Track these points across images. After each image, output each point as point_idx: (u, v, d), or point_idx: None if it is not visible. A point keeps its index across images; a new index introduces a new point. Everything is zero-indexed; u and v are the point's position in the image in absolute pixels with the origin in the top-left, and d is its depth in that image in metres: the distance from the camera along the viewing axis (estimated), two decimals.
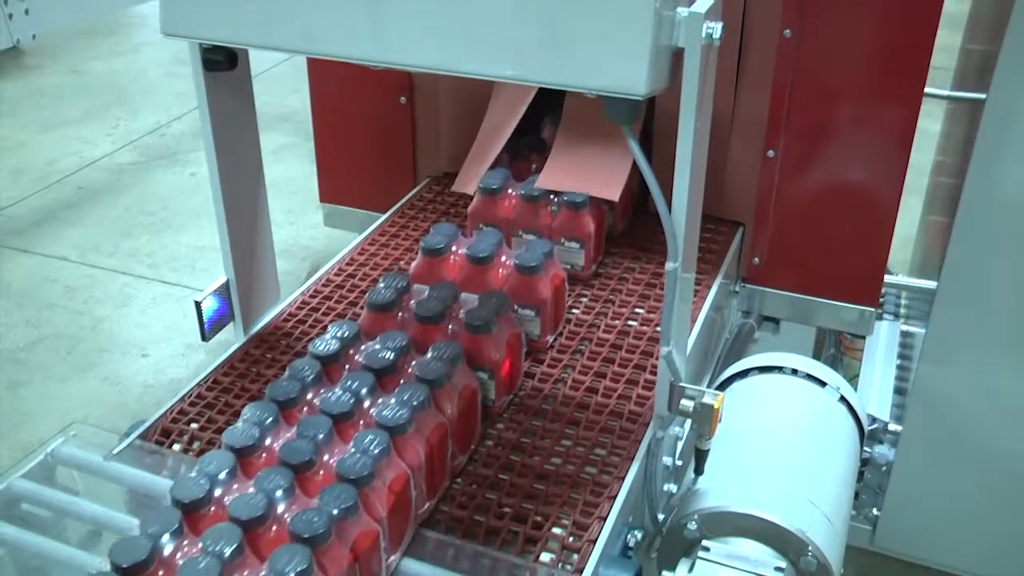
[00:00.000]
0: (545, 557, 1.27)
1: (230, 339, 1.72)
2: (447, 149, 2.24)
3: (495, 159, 2.01)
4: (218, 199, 1.60)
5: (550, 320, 1.66)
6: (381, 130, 2.26)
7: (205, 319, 1.64)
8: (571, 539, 1.29)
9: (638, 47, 1.09)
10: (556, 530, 1.31)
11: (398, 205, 2.17)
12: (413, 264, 1.70)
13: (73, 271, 3.68)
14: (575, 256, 1.83)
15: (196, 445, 1.46)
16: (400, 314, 1.52)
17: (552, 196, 1.84)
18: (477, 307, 1.50)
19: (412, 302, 1.53)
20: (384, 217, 2.12)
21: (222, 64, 1.46)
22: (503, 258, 1.66)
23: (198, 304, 1.62)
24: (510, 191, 1.89)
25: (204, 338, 1.65)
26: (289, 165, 4.34)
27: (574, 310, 1.78)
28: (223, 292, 1.67)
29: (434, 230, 1.71)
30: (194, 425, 1.50)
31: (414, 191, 2.23)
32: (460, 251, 1.67)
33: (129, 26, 6.23)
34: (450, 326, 1.49)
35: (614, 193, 1.88)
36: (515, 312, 1.62)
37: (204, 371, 1.62)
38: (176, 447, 1.47)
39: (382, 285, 1.55)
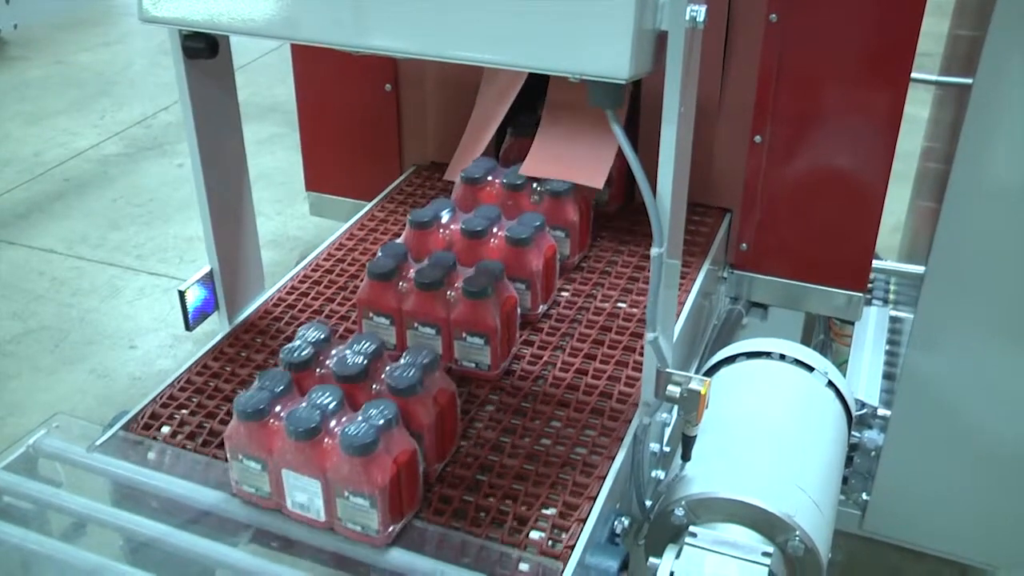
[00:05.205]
0: (535, 535, 1.27)
1: (217, 330, 1.71)
2: (433, 137, 2.23)
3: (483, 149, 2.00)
4: (201, 188, 1.58)
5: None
6: (366, 118, 2.25)
7: (189, 309, 1.63)
8: (560, 518, 1.30)
9: (621, 30, 1.08)
10: (546, 510, 1.31)
11: (383, 194, 2.16)
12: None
13: (60, 263, 3.66)
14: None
15: (178, 437, 1.45)
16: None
17: (449, 292, 1.54)
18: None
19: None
20: (369, 206, 2.11)
21: (203, 52, 1.44)
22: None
23: (182, 294, 1.61)
24: (404, 275, 1.59)
25: (188, 328, 1.64)
26: (277, 156, 4.32)
27: (572, 281, 1.78)
28: (207, 282, 1.65)
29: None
30: (177, 416, 1.49)
31: (400, 179, 2.21)
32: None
33: (114, 16, 6.19)
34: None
35: (598, 180, 1.87)
36: None
37: (186, 364, 1.61)
38: (158, 438, 1.45)
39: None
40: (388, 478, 1.23)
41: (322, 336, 1.40)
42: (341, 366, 1.34)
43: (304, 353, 1.36)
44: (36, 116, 4.88)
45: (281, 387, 1.30)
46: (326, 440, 1.24)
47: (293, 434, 1.23)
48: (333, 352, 1.38)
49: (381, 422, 1.23)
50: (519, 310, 1.61)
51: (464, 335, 1.53)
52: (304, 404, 1.26)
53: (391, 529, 1.27)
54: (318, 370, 1.37)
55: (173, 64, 1.47)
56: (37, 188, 4.21)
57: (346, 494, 1.24)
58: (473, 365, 1.55)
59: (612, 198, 2.00)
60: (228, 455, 1.31)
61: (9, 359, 3.13)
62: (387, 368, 1.34)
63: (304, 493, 1.27)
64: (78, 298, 3.45)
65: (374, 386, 1.34)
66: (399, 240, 1.72)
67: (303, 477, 1.26)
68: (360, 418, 1.24)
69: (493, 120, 2.03)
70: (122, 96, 5.14)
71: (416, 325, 1.55)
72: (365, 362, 1.34)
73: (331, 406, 1.26)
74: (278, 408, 1.28)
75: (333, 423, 1.25)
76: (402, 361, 1.35)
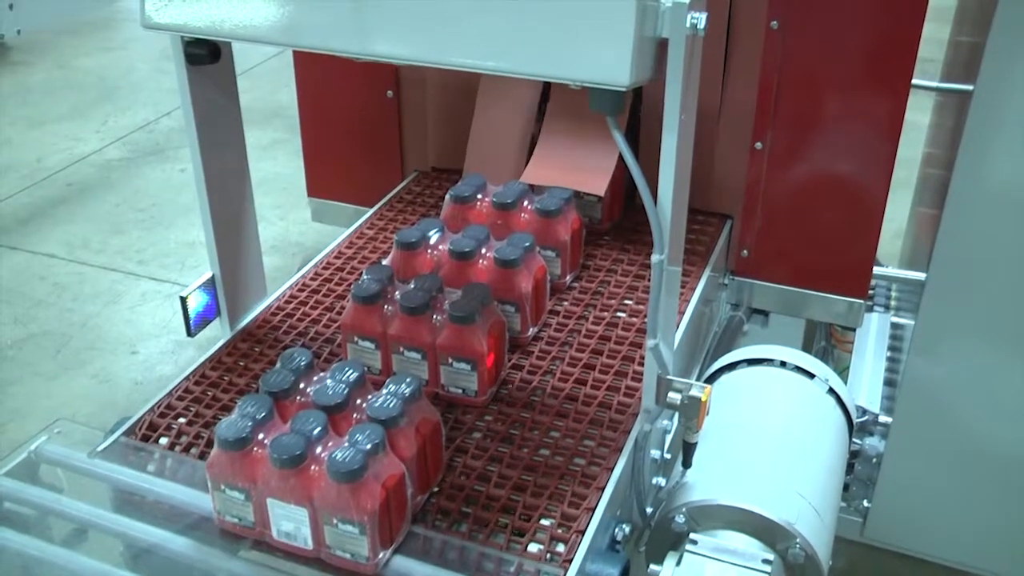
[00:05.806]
0: (533, 548, 1.27)
1: (219, 335, 1.71)
2: (434, 143, 2.24)
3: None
4: (203, 194, 1.59)
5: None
6: (368, 124, 2.25)
7: (191, 315, 1.63)
8: (560, 530, 1.29)
9: (622, 37, 1.08)
10: (544, 521, 1.30)
11: (385, 199, 2.16)
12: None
13: (62, 268, 3.66)
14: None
15: (183, 439, 1.46)
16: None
17: (435, 316, 1.51)
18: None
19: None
20: (371, 212, 2.11)
21: (205, 58, 1.45)
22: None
23: (183, 300, 1.61)
24: (389, 298, 1.56)
25: (189, 333, 1.64)
26: (279, 161, 4.33)
27: (563, 302, 1.77)
28: (209, 287, 1.66)
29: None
30: (182, 420, 1.49)
31: (401, 185, 2.22)
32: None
33: (117, 22, 6.19)
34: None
35: (600, 187, 1.87)
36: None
37: (188, 369, 1.61)
38: (161, 443, 1.45)
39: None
40: (377, 504, 1.19)
41: (304, 362, 1.37)
42: (321, 396, 1.30)
43: (285, 380, 1.33)
44: (38, 121, 4.89)
45: (263, 414, 1.25)
46: (312, 467, 1.20)
47: (278, 462, 1.19)
48: (315, 379, 1.35)
49: (368, 447, 1.19)
50: (508, 333, 1.57)
51: (450, 360, 1.49)
52: (288, 431, 1.23)
53: (381, 555, 1.24)
54: (299, 398, 1.34)
55: (175, 70, 1.48)
56: (39, 193, 4.21)
57: (335, 521, 1.20)
58: (460, 391, 1.51)
59: (604, 216, 1.96)
60: (209, 485, 1.28)
61: (10, 364, 3.13)
62: (369, 398, 1.30)
63: (290, 522, 1.24)
64: (80, 303, 3.45)
65: (355, 415, 1.30)
66: (385, 261, 1.69)
67: (289, 506, 1.22)
68: (347, 443, 1.20)
69: (523, 130, 2.01)
70: (124, 101, 5.14)
71: (401, 350, 1.51)
72: (346, 391, 1.30)
73: (316, 432, 1.22)
74: (261, 436, 1.24)
75: (319, 449, 1.21)
76: (383, 390, 1.30)
